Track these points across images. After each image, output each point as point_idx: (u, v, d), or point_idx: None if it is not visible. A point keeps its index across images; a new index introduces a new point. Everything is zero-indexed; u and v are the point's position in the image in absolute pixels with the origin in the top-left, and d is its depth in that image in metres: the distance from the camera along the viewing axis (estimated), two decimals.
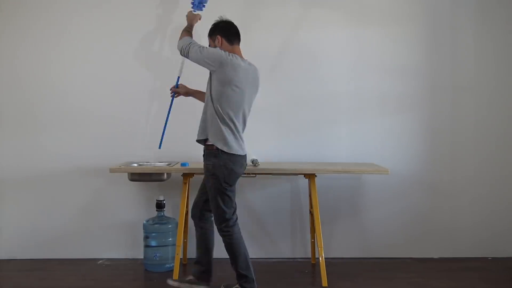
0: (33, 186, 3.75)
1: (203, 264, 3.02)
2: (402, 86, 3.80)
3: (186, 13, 3.22)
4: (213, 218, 2.96)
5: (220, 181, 2.79)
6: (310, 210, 3.64)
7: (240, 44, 2.95)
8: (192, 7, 3.27)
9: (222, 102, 2.76)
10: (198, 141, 2.89)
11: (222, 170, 2.78)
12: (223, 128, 2.76)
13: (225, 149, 2.76)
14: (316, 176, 3.35)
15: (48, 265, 3.61)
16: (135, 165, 3.46)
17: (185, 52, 2.89)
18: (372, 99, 3.80)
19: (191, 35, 3.07)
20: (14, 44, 3.72)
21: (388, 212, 3.82)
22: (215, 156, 2.78)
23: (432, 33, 3.79)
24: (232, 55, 2.80)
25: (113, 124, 3.74)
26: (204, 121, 2.84)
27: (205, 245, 3.03)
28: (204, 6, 3.28)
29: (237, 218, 2.90)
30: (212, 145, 2.78)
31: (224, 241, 2.87)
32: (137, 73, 3.73)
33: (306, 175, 3.39)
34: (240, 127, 2.84)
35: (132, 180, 3.37)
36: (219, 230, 2.88)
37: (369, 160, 3.77)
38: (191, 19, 3.17)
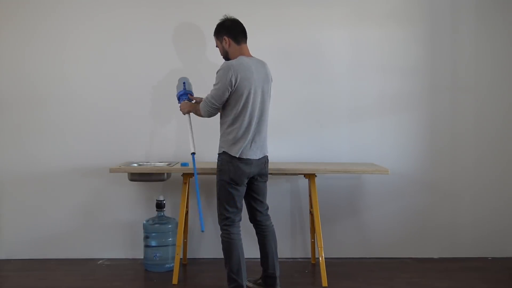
0: (32, 186, 3.74)
1: (263, 269, 3.02)
2: (402, 86, 3.80)
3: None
4: (267, 222, 3.04)
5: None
6: (310, 210, 3.64)
7: None
8: (179, 101, 3.16)
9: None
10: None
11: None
12: None
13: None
14: (316, 176, 3.35)
15: (47, 265, 3.61)
16: (135, 165, 3.46)
17: (205, 114, 2.90)
18: (372, 99, 3.80)
19: (198, 104, 3.00)
20: (15, 45, 3.71)
21: (388, 212, 3.82)
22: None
23: (432, 33, 3.79)
24: (233, 68, 2.75)
25: (113, 124, 3.74)
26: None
27: (260, 249, 3.03)
28: (188, 97, 3.15)
29: (240, 220, 2.90)
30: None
31: (221, 239, 2.87)
32: (137, 73, 3.73)
33: (306, 175, 3.39)
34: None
35: (132, 180, 3.37)
36: (220, 227, 2.89)
37: (369, 160, 3.77)
38: (186, 107, 3.09)
